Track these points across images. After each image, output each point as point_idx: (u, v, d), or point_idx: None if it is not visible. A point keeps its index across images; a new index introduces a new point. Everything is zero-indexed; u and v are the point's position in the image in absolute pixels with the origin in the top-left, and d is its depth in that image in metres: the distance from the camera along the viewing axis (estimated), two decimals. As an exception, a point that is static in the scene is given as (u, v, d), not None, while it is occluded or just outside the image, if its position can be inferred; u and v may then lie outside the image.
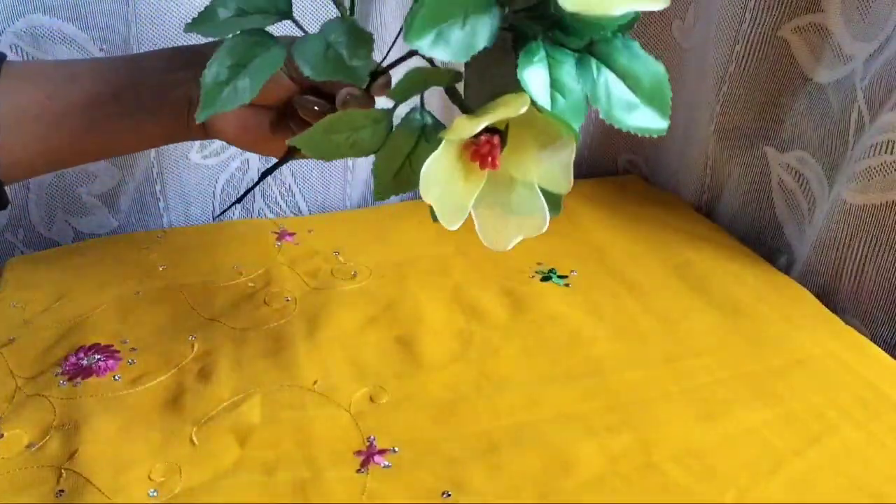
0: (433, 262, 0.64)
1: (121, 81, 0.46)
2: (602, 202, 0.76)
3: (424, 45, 0.33)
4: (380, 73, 0.42)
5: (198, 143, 0.67)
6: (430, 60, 0.38)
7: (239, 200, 0.48)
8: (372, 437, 0.45)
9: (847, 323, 0.57)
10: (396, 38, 0.38)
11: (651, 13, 0.75)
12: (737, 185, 0.72)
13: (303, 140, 0.37)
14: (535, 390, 0.50)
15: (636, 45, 0.38)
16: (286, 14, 0.40)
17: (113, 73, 0.47)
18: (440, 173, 0.36)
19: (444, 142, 0.35)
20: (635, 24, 0.40)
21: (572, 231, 0.70)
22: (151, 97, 0.46)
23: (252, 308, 0.56)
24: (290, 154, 0.46)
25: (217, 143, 0.54)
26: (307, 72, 0.36)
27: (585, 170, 0.84)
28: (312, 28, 0.39)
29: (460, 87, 0.40)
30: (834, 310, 0.59)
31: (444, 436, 0.46)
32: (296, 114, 0.45)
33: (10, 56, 0.58)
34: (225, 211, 0.53)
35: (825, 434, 0.46)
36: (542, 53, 0.36)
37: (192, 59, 0.46)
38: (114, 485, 0.41)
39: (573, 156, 0.37)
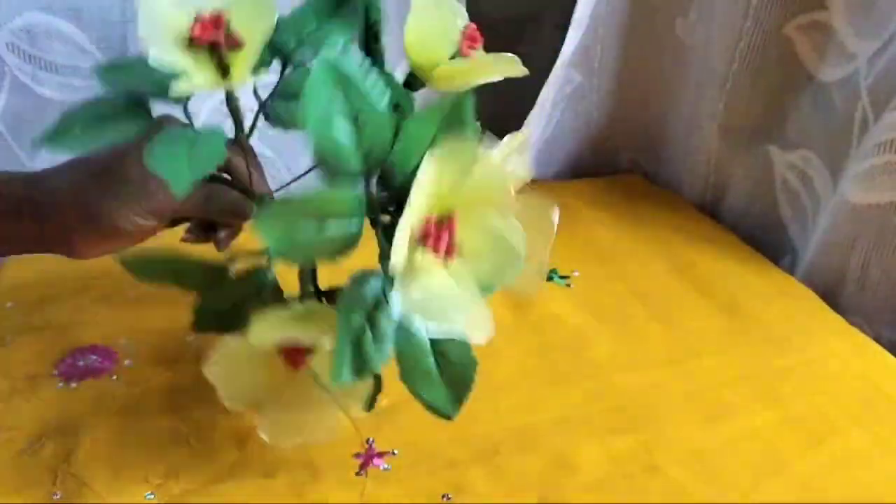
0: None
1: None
2: (604, 202, 0.75)
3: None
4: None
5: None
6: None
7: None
8: (371, 439, 0.45)
9: (851, 323, 0.57)
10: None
11: (654, 9, 0.74)
12: (740, 185, 0.72)
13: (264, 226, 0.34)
14: (536, 392, 0.49)
15: None
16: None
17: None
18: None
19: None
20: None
21: (574, 231, 0.69)
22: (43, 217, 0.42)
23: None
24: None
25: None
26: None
27: (587, 169, 0.84)
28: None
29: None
30: (838, 310, 0.58)
31: (443, 438, 0.45)
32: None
33: (8, 54, 0.58)
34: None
35: (829, 436, 0.46)
36: None
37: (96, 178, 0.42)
38: (111, 487, 0.41)
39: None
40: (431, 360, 0.38)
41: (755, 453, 0.45)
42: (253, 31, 0.37)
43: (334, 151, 0.35)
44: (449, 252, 0.34)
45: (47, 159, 0.63)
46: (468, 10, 0.69)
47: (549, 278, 0.62)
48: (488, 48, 0.81)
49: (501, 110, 0.82)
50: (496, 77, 0.42)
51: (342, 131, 0.35)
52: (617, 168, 0.86)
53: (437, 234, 0.33)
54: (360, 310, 0.35)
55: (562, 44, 0.70)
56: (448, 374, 0.38)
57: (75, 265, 0.61)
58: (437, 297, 0.34)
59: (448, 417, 0.38)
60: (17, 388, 0.48)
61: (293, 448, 0.44)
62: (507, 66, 0.42)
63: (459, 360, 0.38)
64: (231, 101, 0.40)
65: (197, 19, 0.36)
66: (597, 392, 0.49)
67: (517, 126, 0.74)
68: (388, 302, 0.36)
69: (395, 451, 0.44)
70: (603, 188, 0.78)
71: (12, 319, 0.54)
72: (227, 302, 0.40)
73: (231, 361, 0.38)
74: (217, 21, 0.36)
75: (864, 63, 0.58)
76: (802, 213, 0.66)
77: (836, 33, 0.60)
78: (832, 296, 0.60)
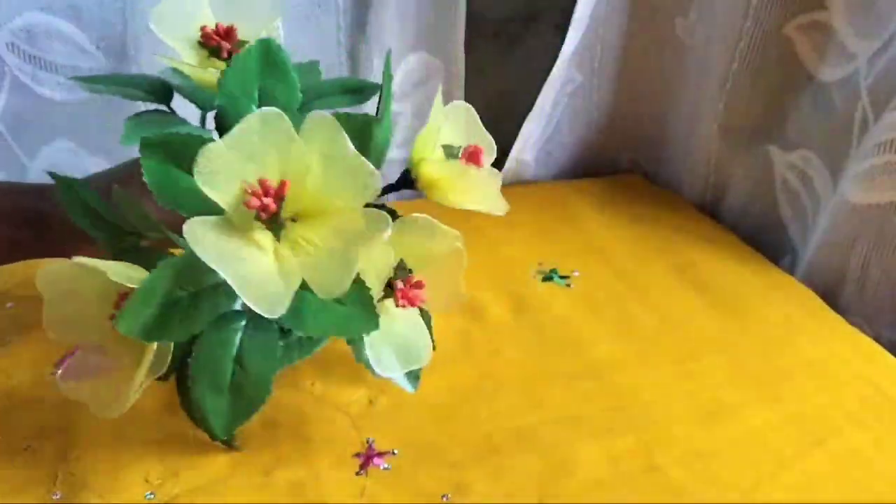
0: (433, 262, 0.63)
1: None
2: (604, 202, 0.75)
3: None
4: None
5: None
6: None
7: None
8: (371, 439, 0.45)
9: (851, 323, 0.57)
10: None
11: (654, 10, 0.74)
12: (740, 185, 0.72)
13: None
14: (536, 392, 0.49)
15: None
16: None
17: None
18: None
19: None
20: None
21: (574, 231, 0.69)
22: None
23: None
24: None
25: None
26: None
27: (587, 169, 0.84)
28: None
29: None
30: (838, 310, 0.58)
31: (444, 438, 0.45)
32: None
33: (8, 54, 0.58)
34: None
35: (829, 436, 0.46)
36: None
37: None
38: (110, 487, 0.41)
39: None
40: (230, 364, 0.37)
41: (755, 453, 0.45)
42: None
43: (192, 203, 0.35)
44: (267, 211, 0.33)
45: (47, 159, 0.63)
46: (468, 10, 0.70)
47: (549, 278, 0.62)
48: (488, 48, 0.81)
49: (502, 110, 0.82)
50: (477, 207, 0.44)
51: (192, 185, 0.35)
52: (617, 168, 0.86)
53: (265, 193, 0.33)
54: (189, 280, 0.35)
55: (562, 44, 0.70)
56: (238, 385, 0.37)
57: (75, 265, 0.61)
58: (251, 261, 0.34)
59: (214, 436, 0.37)
60: (17, 388, 0.48)
61: (293, 448, 0.44)
62: (491, 202, 0.44)
63: (256, 375, 0.37)
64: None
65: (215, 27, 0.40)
66: (596, 392, 0.49)
67: (517, 126, 0.74)
68: (225, 296, 0.35)
69: (395, 451, 0.44)
70: (603, 188, 0.78)
71: (12, 319, 0.54)
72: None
73: (65, 281, 0.37)
74: (229, 31, 0.40)
75: (864, 63, 0.58)
76: (802, 213, 0.66)
77: (836, 33, 0.60)
78: (832, 296, 0.60)
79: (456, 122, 0.45)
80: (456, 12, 0.69)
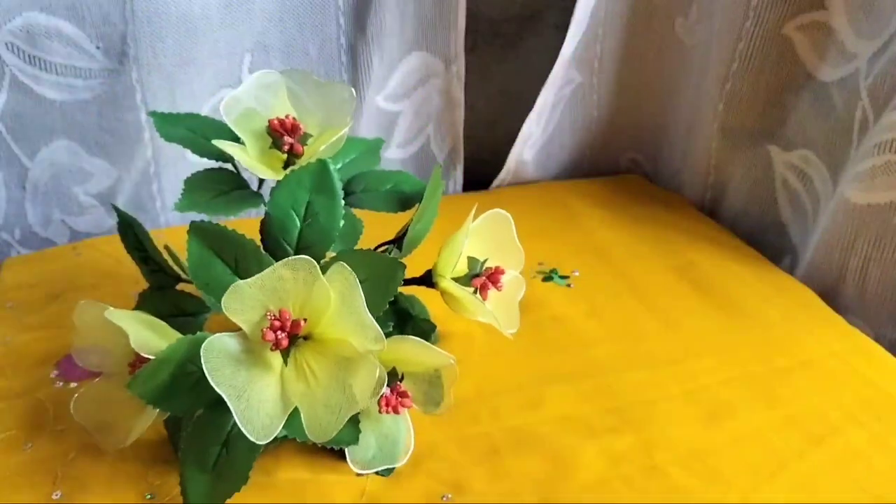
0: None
1: None
2: (604, 202, 0.75)
3: None
4: None
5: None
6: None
7: None
8: (371, 439, 0.45)
9: (851, 324, 0.57)
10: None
11: (654, 9, 0.74)
12: (740, 185, 0.72)
13: None
14: (536, 392, 0.49)
15: None
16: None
17: None
18: None
19: None
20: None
21: (574, 231, 0.69)
22: None
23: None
24: None
25: (215, 142, 0.54)
26: None
27: (587, 169, 0.84)
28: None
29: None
30: (838, 310, 0.58)
31: (443, 438, 0.45)
32: None
33: (8, 54, 0.58)
34: None
35: (829, 436, 0.46)
36: None
37: None
38: (111, 487, 0.41)
39: None
40: (217, 447, 0.38)
41: (755, 453, 0.45)
42: (318, 153, 0.43)
43: (219, 290, 0.37)
44: (279, 346, 0.36)
45: (47, 159, 0.63)
46: (468, 10, 0.70)
47: (549, 278, 0.62)
48: (488, 48, 0.81)
49: (502, 110, 0.82)
50: (488, 322, 0.46)
51: (223, 275, 0.39)
52: (617, 168, 0.86)
53: (281, 326, 0.36)
54: (194, 352, 0.36)
55: (562, 44, 0.70)
56: (221, 468, 0.38)
57: (75, 266, 0.61)
58: (252, 381, 0.36)
59: None
60: (16, 388, 0.48)
61: (293, 448, 0.44)
62: (500, 321, 0.45)
63: (238, 462, 0.38)
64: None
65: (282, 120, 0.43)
66: (596, 392, 0.49)
67: (517, 126, 0.74)
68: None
69: (395, 451, 0.44)
70: (603, 188, 0.78)
71: (12, 319, 0.54)
72: (156, 307, 0.43)
73: (97, 319, 0.39)
74: (295, 127, 0.43)
75: (864, 63, 0.58)
76: (802, 213, 0.66)
77: (836, 33, 0.60)
78: (832, 296, 0.60)
79: (488, 230, 0.47)
80: (456, 12, 0.69)
